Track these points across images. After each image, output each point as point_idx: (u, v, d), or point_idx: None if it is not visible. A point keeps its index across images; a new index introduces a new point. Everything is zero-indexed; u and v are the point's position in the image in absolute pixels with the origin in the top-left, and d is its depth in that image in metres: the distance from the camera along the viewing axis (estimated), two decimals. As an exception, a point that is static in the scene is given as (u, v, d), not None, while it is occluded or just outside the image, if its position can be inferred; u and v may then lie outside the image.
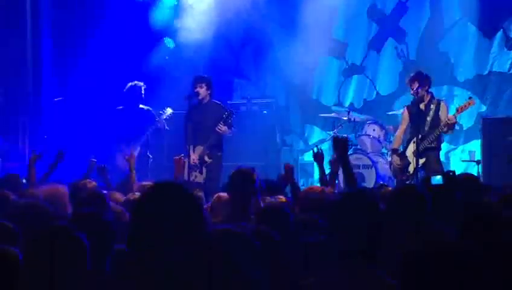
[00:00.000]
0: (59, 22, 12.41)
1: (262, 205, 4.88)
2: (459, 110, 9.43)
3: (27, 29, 11.80)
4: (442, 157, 10.85)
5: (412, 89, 9.45)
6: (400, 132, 9.84)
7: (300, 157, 13.68)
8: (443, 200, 3.99)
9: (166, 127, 10.60)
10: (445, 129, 9.38)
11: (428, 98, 9.49)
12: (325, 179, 6.79)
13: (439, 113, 9.41)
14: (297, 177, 12.96)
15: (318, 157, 7.11)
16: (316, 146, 7.55)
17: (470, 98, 9.70)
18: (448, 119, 9.23)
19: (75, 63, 12.28)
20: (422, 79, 9.37)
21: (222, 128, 9.70)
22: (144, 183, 6.52)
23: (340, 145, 5.55)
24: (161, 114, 10.59)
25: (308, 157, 13.96)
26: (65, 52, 12.32)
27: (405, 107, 9.84)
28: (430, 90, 9.59)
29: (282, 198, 5.32)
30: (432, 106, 9.42)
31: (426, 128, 9.36)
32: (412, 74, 9.66)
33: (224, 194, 5.29)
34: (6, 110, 11.75)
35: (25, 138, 11.57)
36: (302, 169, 13.26)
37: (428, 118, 9.39)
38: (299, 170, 13.11)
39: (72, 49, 12.35)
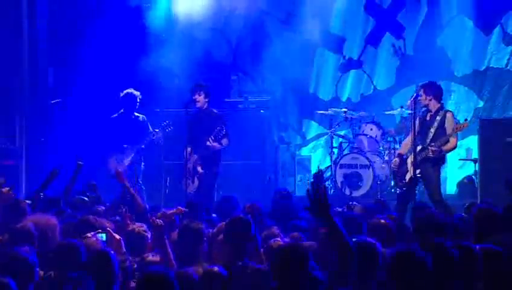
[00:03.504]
0: (56, 20, 12.33)
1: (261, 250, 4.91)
2: (454, 130, 9.25)
3: (23, 27, 11.73)
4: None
5: (420, 96, 9.25)
6: (409, 139, 9.46)
7: (297, 152, 13.70)
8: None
9: (161, 141, 10.62)
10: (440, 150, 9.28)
11: (436, 109, 9.29)
12: None
13: (445, 125, 9.19)
14: (295, 173, 13.05)
15: (318, 179, 7.03)
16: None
17: (465, 120, 9.63)
18: (432, 149, 9.14)
19: (73, 62, 12.23)
20: (434, 90, 9.27)
21: (213, 143, 9.68)
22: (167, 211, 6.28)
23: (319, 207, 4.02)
24: (162, 127, 10.60)
25: (305, 152, 14.02)
26: (62, 52, 12.26)
27: (418, 118, 9.63)
28: (441, 101, 9.39)
29: (279, 241, 5.23)
30: (438, 118, 9.22)
31: (428, 140, 9.24)
32: (424, 83, 9.43)
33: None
34: (3, 110, 11.72)
35: (22, 139, 11.55)
36: (299, 164, 13.27)
37: (432, 130, 9.20)
38: (296, 165, 13.15)
39: (69, 48, 12.28)
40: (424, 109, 9.38)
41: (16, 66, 11.63)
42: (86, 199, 7.64)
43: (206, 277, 4.19)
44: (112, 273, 4.31)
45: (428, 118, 9.28)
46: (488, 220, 5.69)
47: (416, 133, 9.15)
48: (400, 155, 9.60)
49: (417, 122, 9.31)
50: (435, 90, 9.34)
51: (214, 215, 7.46)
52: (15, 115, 11.65)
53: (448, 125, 9.20)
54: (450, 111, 9.49)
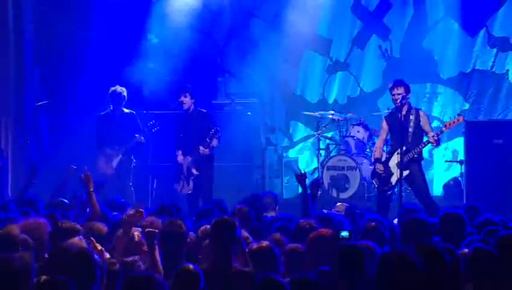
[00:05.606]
0: (42, 20, 12.27)
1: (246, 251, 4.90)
2: (447, 125, 9.32)
3: (9, 27, 11.66)
4: (425, 155, 10.90)
5: (394, 95, 9.26)
6: (380, 143, 9.65)
7: (284, 154, 13.71)
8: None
9: (143, 140, 10.62)
10: (434, 144, 9.37)
11: (406, 108, 9.27)
12: (307, 207, 6.75)
13: (421, 123, 9.26)
14: (282, 175, 13.05)
15: (301, 178, 7.08)
16: (301, 170, 7.49)
17: (459, 114, 9.64)
18: (433, 136, 9.17)
19: (60, 63, 12.18)
20: (407, 87, 9.28)
21: (204, 151, 9.67)
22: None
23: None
24: (148, 127, 10.58)
25: (292, 153, 14.03)
26: (49, 52, 12.20)
27: (383, 118, 9.70)
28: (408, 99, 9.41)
29: (264, 243, 5.17)
30: (411, 117, 9.23)
31: (409, 139, 9.24)
32: (396, 80, 9.45)
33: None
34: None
35: (8, 141, 11.48)
36: (286, 166, 13.27)
37: (410, 130, 9.22)
38: (283, 167, 13.15)
39: (56, 49, 12.24)
40: (389, 109, 9.41)
41: (1, 67, 11.56)
42: (65, 201, 7.58)
43: (180, 274, 4.17)
44: (92, 273, 4.26)
45: (403, 119, 9.17)
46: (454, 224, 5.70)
47: (391, 135, 9.24)
48: (377, 159, 9.56)
49: (386, 124, 9.38)
50: (409, 89, 9.35)
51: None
52: (0, 116, 11.59)
53: (425, 125, 9.25)
54: (421, 109, 9.60)
